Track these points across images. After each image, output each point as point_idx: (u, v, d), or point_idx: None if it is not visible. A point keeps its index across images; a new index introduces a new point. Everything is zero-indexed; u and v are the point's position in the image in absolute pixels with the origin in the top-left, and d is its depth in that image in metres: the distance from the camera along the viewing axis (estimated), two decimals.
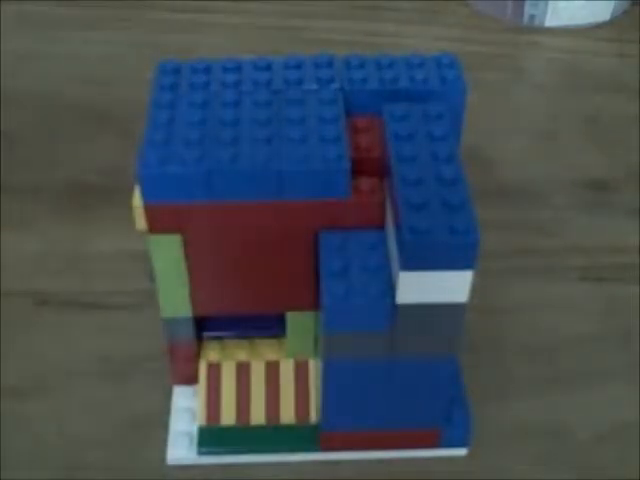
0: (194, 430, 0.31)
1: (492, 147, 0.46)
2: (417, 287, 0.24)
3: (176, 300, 0.29)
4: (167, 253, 0.27)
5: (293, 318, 0.30)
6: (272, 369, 0.31)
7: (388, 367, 0.27)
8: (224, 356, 0.31)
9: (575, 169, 0.45)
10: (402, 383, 0.28)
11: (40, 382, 0.33)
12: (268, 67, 0.29)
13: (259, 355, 0.31)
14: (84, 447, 0.31)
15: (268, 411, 0.31)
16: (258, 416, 0.31)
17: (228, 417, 0.31)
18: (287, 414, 0.31)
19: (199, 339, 0.31)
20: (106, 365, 0.34)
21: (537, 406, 0.33)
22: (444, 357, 0.27)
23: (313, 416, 0.31)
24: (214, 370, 0.31)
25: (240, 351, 0.31)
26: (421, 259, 0.24)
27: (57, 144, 0.45)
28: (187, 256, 0.27)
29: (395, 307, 0.25)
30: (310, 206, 0.26)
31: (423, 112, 0.27)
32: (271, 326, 0.31)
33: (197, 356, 0.31)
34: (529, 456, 0.31)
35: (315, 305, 0.29)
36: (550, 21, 0.56)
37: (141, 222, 0.26)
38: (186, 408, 0.31)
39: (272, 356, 0.31)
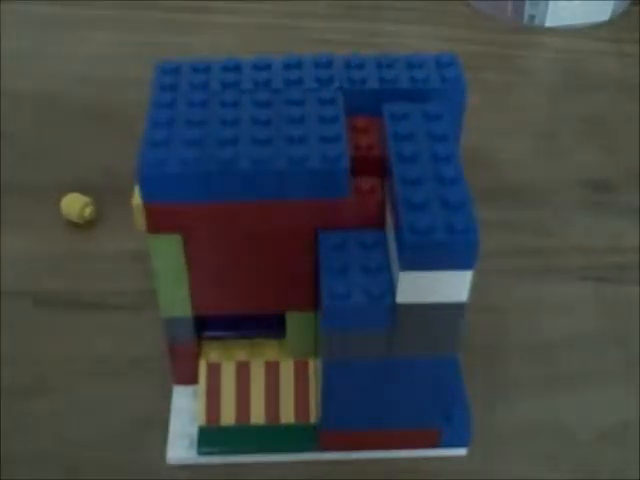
0: (194, 430, 0.31)
1: (492, 147, 0.46)
2: (417, 287, 0.24)
3: (176, 300, 0.29)
4: (167, 253, 0.27)
5: (293, 318, 0.30)
6: (272, 369, 0.31)
7: (388, 367, 0.27)
8: (224, 356, 0.31)
9: (575, 169, 0.45)
10: (402, 383, 0.28)
11: (40, 382, 0.33)
12: (268, 67, 0.29)
13: (259, 355, 0.31)
14: (84, 447, 0.31)
15: (268, 411, 0.31)
16: (258, 416, 0.31)
17: (228, 417, 0.31)
18: (287, 414, 0.31)
19: (199, 339, 0.31)
20: (106, 365, 0.34)
21: (537, 406, 0.33)
22: (444, 357, 0.27)
23: (313, 416, 0.31)
24: (214, 370, 0.31)
25: (240, 351, 0.31)
26: (421, 259, 0.24)
27: (57, 144, 0.45)
28: (187, 256, 0.27)
29: (395, 307, 0.25)
30: (310, 206, 0.26)
31: (423, 112, 0.27)
32: (271, 326, 0.31)
33: (197, 356, 0.31)
34: (529, 456, 0.31)
35: (315, 305, 0.29)
36: (550, 21, 0.56)
37: (141, 222, 0.26)
38: (186, 408, 0.31)
39: (272, 356, 0.31)
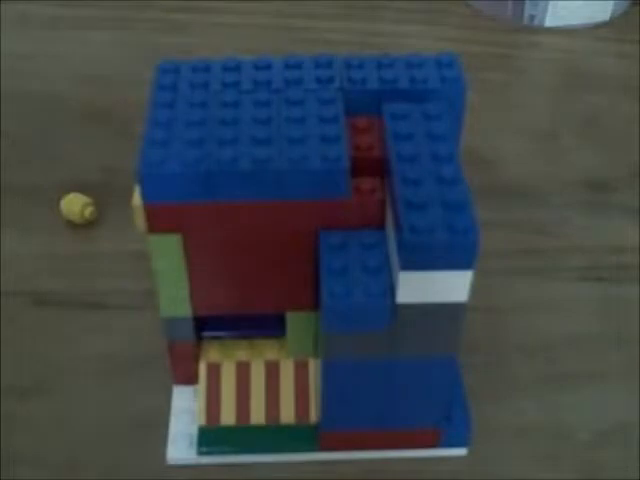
0: (194, 430, 0.31)
1: (492, 147, 0.46)
2: (417, 287, 0.24)
3: (176, 300, 0.29)
4: (167, 253, 0.27)
5: (293, 318, 0.30)
6: (272, 369, 0.31)
7: (388, 367, 0.27)
8: (224, 356, 0.31)
9: (575, 169, 0.45)
10: (402, 383, 0.28)
11: (40, 382, 0.33)
12: (268, 67, 0.29)
13: (259, 355, 0.31)
14: (84, 447, 0.31)
15: (268, 411, 0.31)
16: (258, 416, 0.31)
17: (228, 417, 0.31)
18: (287, 414, 0.31)
19: (199, 339, 0.31)
20: (106, 365, 0.34)
21: (537, 406, 0.33)
22: (444, 357, 0.27)
23: (313, 416, 0.31)
24: (214, 370, 0.31)
25: (240, 351, 0.31)
26: (421, 259, 0.24)
27: (57, 144, 0.45)
28: (187, 256, 0.27)
29: (395, 307, 0.25)
30: (310, 206, 0.26)
31: (423, 112, 0.27)
32: (271, 326, 0.31)
33: (197, 356, 0.31)
34: (529, 456, 0.31)
35: (315, 305, 0.29)
36: (550, 21, 0.56)
37: (141, 222, 0.26)
38: (186, 408, 0.31)
39: (272, 356, 0.31)
